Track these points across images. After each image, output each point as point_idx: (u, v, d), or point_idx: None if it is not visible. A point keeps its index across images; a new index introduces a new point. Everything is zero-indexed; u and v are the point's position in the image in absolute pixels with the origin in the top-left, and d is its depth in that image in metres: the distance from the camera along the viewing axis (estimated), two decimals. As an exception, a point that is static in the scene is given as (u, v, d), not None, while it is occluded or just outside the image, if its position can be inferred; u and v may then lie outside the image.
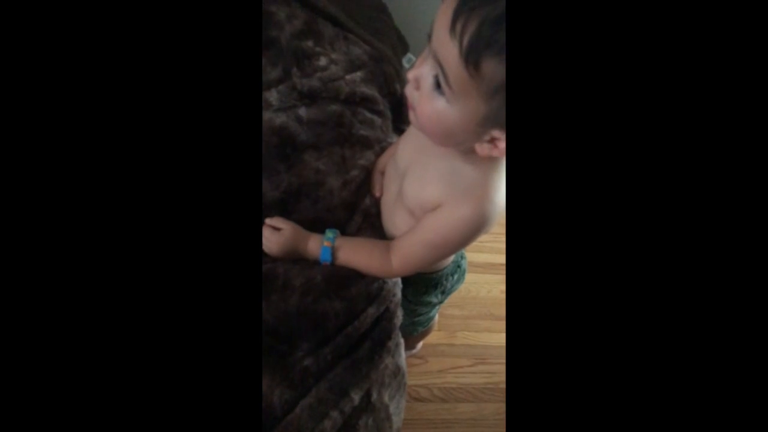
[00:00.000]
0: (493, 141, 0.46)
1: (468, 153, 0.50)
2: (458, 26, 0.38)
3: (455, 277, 0.75)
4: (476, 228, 0.52)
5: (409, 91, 0.47)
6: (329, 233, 0.62)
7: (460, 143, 0.48)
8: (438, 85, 0.43)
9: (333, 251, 0.60)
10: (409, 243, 0.58)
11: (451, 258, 0.72)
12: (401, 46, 0.95)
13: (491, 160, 0.50)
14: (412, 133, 0.63)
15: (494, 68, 0.39)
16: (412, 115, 0.49)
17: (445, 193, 0.52)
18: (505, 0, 0.36)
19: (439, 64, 0.42)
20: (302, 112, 0.74)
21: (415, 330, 0.90)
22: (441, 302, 0.80)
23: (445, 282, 0.73)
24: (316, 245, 0.61)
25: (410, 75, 0.46)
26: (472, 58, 0.39)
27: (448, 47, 0.40)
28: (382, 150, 0.75)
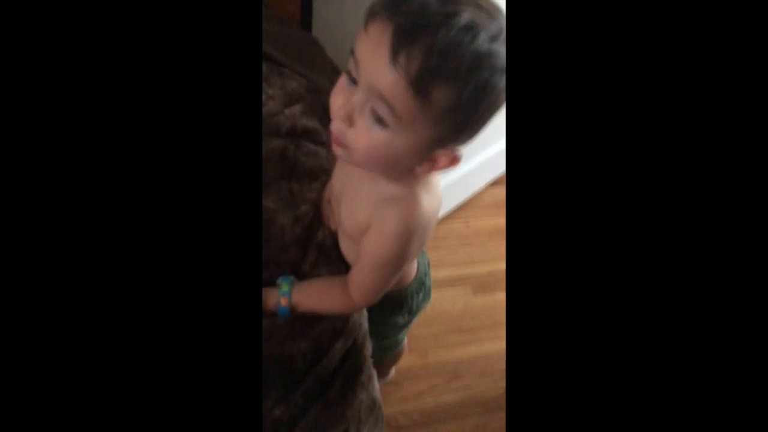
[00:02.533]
0: (433, 160, 0.46)
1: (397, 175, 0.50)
2: (401, 58, 0.38)
3: (420, 295, 0.74)
4: (407, 239, 0.52)
5: (337, 127, 0.45)
6: (284, 286, 0.59)
7: (403, 169, 0.48)
8: (378, 119, 0.42)
9: (291, 308, 0.58)
10: (357, 273, 0.58)
11: (413, 275, 0.71)
12: (336, 76, 0.96)
13: (415, 178, 0.50)
14: (340, 162, 0.63)
15: (444, 93, 0.39)
16: (341, 151, 0.47)
17: (372, 212, 0.53)
18: (446, 29, 0.37)
19: (381, 96, 0.41)
20: (243, 151, 0.72)
21: (384, 355, 0.88)
22: (408, 323, 0.79)
23: (410, 300, 0.72)
24: (274, 300, 0.58)
25: (338, 112, 0.44)
26: (422, 87, 0.39)
27: (389, 78, 0.39)
28: (330, 180, 0.74)
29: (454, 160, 0.46)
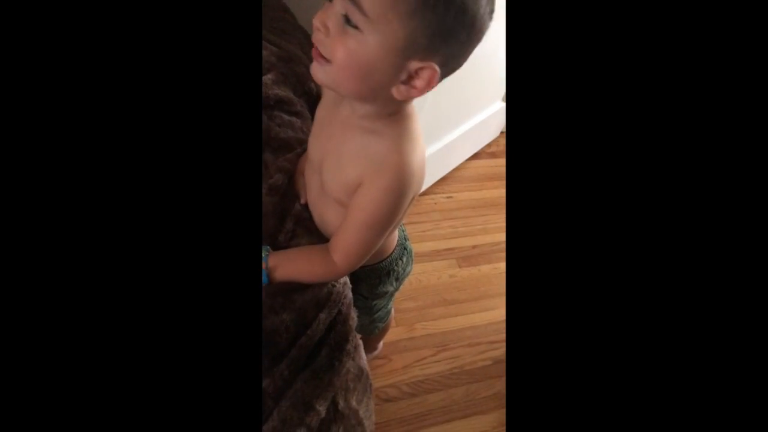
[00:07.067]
0: (410, 80, 0.45)
1: (376, 126, 0.50)
2: None
3: (404, 260, 0.73)
4: (400, 194, 0.52)
5: (318, 40, 0.45)
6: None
7: (379, 86, 0.47)
8: (348, 21, 0.42)
9: (268, 272, 0.56)
10: (344, 233, 0.56)
11: (395, 242, 0.70)
12: (308, 44, 0.92)
13: (399, 129, 0.50)
14: (318, 126, 0.61)
15: None
16: (319, 70, 0.46)
17: (363, 169, 0.52)
18: None
19: None
20: (215, 123, 0.69)
21: (376, 328, 0.87)
22: (396, 290, 0.78)
23: (396, 267, 0.71)
24: None
25: (316, 22, 0.44)
26: None
27: None
28: (305, 151, 0.72)
29: (433, 77, 0.45)
